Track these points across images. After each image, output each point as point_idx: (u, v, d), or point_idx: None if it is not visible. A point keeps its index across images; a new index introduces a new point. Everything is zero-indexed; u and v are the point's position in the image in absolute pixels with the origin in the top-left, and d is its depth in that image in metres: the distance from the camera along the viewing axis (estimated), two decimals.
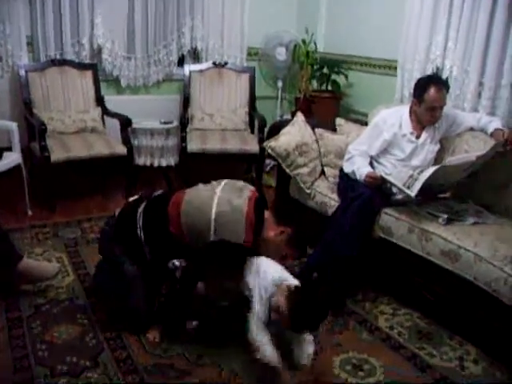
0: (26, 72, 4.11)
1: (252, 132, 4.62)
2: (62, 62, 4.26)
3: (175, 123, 4.32)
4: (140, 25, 4.49)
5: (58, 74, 4.24)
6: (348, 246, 2.75)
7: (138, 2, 4.42)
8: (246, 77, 4.71)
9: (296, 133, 3.39)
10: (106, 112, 4.34)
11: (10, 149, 3.70)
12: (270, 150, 3.30)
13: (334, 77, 4.53)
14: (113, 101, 4.47)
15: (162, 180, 4.45)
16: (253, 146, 4.24)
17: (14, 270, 2.66)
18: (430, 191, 2.81)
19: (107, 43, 4.42)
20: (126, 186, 4.14)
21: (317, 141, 3.46)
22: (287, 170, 3.32)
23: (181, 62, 4.83)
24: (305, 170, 3.33)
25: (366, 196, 2.80)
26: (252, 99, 4.72)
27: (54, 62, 4.23)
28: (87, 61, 4.40)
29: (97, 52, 4.46)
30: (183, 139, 4.23)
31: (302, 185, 3.33)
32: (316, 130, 3.48)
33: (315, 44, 4.69)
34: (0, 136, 3.85)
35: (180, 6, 4.61)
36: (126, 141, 4.09)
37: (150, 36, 4.57)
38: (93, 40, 4.39)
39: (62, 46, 4.33)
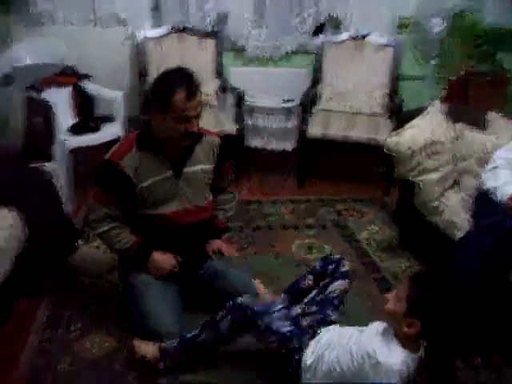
0: (144, 39, 3.84)
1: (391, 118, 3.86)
2: (183, 30, 3.93)
3: (296, 102, 3.74)
4: None
5: (176, 42, 3.94)
6: (473, 279, 2.03)
7: None
8: (389, 52, 3.95)
9: (426, 127, 2.66)
10: (224, 86, 3.92)
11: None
12: (386, 148, 2.60)
13: (499, 56, 3.55)
14: (234, 73, 4.04)
15: (278, 166, 3.95)
16: (385, 136, 3.49)
17: (64, 261, 2.39)
18: None
19: (234, 9, 3.96)
20: (236, 170, 3.71)
21: (455, 139, 2.66)
22: (409, 175, 2.61)
23: (316, 31, 4.19)
24: (433, 177, 2.61)
25: (507, 228, 2.02)
26: (394, 79, 3.95)
27: (174, 30, 3.91)
28: (211, 28, 4.00)
29: (222, 19, 4.03)
30: (304, 121, 3.65)
31: (426, 195, 2.58)
32: (456, 125, 2.69)
33: (481, 14, 3.73)
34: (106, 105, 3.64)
35: None
36: (239, 119, 3.64)
37: (283, 2, 4.00)
38: (219, 6, 3.96)
39: (187, 13, 3.97)
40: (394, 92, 3.92)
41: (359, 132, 3.56)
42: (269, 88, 3.93)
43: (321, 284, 2.04)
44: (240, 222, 3.14)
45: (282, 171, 3.94)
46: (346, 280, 2.02)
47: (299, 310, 1.97)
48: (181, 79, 1.93)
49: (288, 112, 3.77)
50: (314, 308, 1.96)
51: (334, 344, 1.71)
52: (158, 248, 2.15)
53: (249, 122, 3.78)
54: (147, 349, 1.93)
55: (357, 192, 3.62)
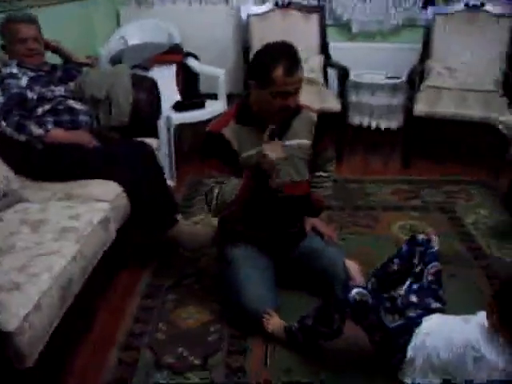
0: (248, 16, 3.83)
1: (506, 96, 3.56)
2: (287, 5, 3.86)
3: (403, 78, 3.55)
4: None
5: (280, 17, 3.88)
6: None
7: None
8: (507, 23, 3.61)
9: None
10: (328, 62, 3.82)
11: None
12: (501, 127, 2.39)
13: None
14: (339, 49, 3.92)
15: (382, 145, 3.80)
16: (499, 115, 3.23)
17: (165, 234, 2.45)
18: None
19: None
20: (337, 148, 3.62)
21: None
22: None
23: (426, 3, 3.94)
24: None
25: None
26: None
27: (278, 5, 3.86)
28: (316, 2, 3.90)
29: None
30: (411, 99, 3.46)
31: None
32: None
33: None
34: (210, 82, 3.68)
35: None
36: (342, 96, 3.53)
37: None
38: None
39: None
40: (510, 67, 3.59)
41: (471, 110, 3.32)
42: (374, 64, 3.79)
43: (416, 269, 1.91)
44: (341, 202, 3.06)
45: (386, 150, 3.78)
46: (438, 262, 1.90)
47: (400, 304, 1.85)
48: (281, 54, 1.88)
49: (394, 89, 3.60)
50: (414, 298, 1.83)
51: (434, 332, 1.61)
52: (258, 219, 2.12)
53: (353, 98, 3.64)
54: (276, 326, 1.94)
55: (465, 173, 3.39)
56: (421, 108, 3.37)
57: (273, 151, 1.91)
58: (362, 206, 3.03)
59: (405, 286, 1.91)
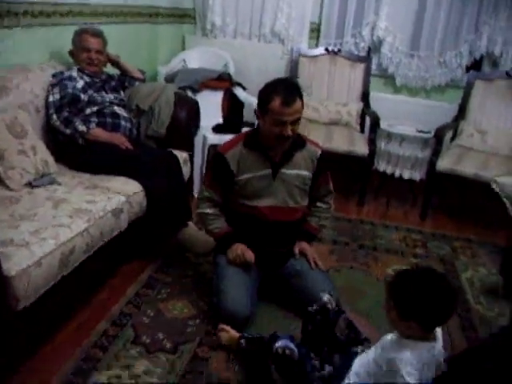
0: (298, 56, 4.14)
1: None
2: (336, 52, 4.14)
3: (431, 134, 3.73)
4: (429, 21, 4.00)
5: (328, 62, 4.17)
6: None
7: None
8: None
9: None
10: (366, 109, 4.06)
11: None
12: (495, 187, 2.53)
13: None
14: (379, 99, 4.15)
15: (403, 194, 3.96)
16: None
17: (174, 235, 2.74)
18: None
19: (389, 37, 4.09)
20: (360, 190, 3.83)
21: None
22: None
23: (470, 67, 4.12)
24: None
25: None
26: None
27: (328, 51, 4.15)
28: (364, 53, 4.17)
29: (376, 45, 4.18)
30: (436, 154, 3.62)
31: None
32: None
33: None
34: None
35: (483, 4, 3.90)
36: (371, 142, 3.74)
37: (439, 34, 4.02)
38: (374, 32, 4.11)
39: (343, 36, 4.21)
40: None
41: (493, 173, 3.42)
42: (409, 117, 3.97)
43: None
44: (347, 238, 3.25)
45: (407, 199, 3.94)
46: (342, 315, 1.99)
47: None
48: (281, 86, 2.15)
49: (422, 142, 3.76)
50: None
51: (355, 366, 1.74)
52: (248, 238, 2.38)
53: (382, 146, 3.84)
54: (229, 338, 2.12)
55: (478, 233, 3.48)
56: (444, 164, 3.52)
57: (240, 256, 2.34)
58: (366, 246, 3.20)
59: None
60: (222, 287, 2.29)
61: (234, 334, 2.12)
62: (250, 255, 2.33)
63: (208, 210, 2.37)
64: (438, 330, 1.62)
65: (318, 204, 2.52)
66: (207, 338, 2.20)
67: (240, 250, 2.34)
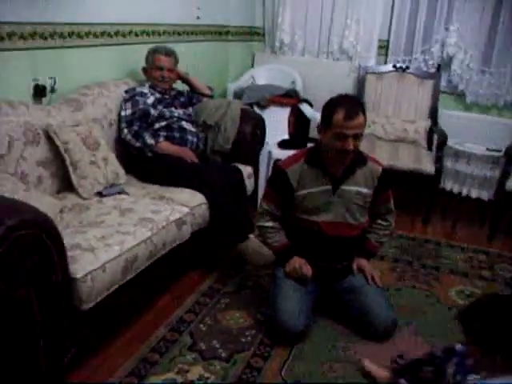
0: (365, 73, 4.15)
1: None
2: (404, 69, 4.11)
3: (502, 152, 3.62)
4: (502, 37, 3.89)
5: (396, 79, 4.14)
6: None
7: (504, 10, 3.83)
8: None
9: None
10: (434, 126, 3.99)
11: None
12: None
13: None
14: (448, 116, 4.07)
15: (470, 214, 3.85)
16: None
17: (235, 247, 2.81)
18: None
19: (459, 53, 4.02)
20: (426, 209, 3.77)
21: None
22: None
23: None
24: None
25: None
26: None
27: (396, 68, 4.13)
28: (433, 70, 4.11)
29: (446, 62, 4.11)
30: (506, 173, 3.51)
31: None
32: None
33: None
34: None
35: None
36: (438, 160, 3.67)
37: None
38: (443, 49, 4.06)
39: (412, 53, 4.18)
40: None
41: None
42: (479, 135, 3.87)
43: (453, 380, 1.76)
44: (410, 257, 3.21)
45: (474, 220, 3.82)
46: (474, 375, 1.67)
47: None
48: (344, 101, 2.18)
49: (491, 161, 3.66)
50: None
51: None
52: (305, 252, 2.41)
53: (449, 164, 3.76)
54: (378, 373, 2.05)
55: None
56: None
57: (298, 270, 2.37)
58: (429, 265, 3.13)
59: None
60: (277, 300, 2.33)
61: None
62: (307, 269, 2.36)
63: (268, 224, 2.42)
64: None
65: (379, 221, 2.51)
66: (261, 349, 2.24)
67: (298, 263, 2.37)
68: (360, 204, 2.36)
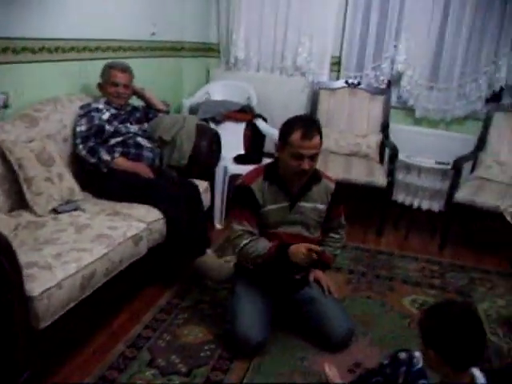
0: (319, 89, 4.25)
1: None
2: (356, 85, 4.23)
3: (450, 165, 3.77)
4: (448, 54, 4.07)
5: (348, 95, 4.25)
6: None
7: (450, 29, 4.00)
8: None
9: None
10: (386, 140, 4.12)
11: None
12: (508, 216, 2.55)
13: None
14: (398, 131, 4.20)
15: (422, 225, 3.98)
16: None
17: (192, 261, 2.81)
18: None
19: (408, 70, 4.17)
20: (379, 221, 3.87)
21: None
22: None
23: (490, 99, 4.16)
24: None
25: None
26: None
27: (348, 84, 4.25)
28: (384, 86, 4.25)
29: (396, 78, 4.26)
30: (454, 185, 3.65)
31: None
32: None
33: None
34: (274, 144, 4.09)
35: (501, 36, 3.96)
36: (390, 173, 3.79)
37: (458, 67, 4.08)
38: (393, 65, 4.20)
39: (363, 69, 4.31)
40: None
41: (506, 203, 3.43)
42: (428, 148, 4.02)
43: None
44: (364, 268, 3.29)
45: (425, 231, 3.95)
46: (425, 380, 1.69)
47: None
48: (302, 122, 2.23)
49: (441, 174, 3.80)
50: None
51: None
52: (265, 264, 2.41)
53: (400, 177, 3.88)
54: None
55: (498, 264, 3.47)
56: (462, 196, 3.54)
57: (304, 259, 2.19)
58: (382, 276, 3.22)
59: None
60: (235, 313, 2.35)
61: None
62: (314, 246, 2.21)
63: (246, 241, 2.30)
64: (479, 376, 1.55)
65: (331, 235, 2.57)
66: (220, 363, 2.25)
67: (302, 248, 2.19)
68: (316, 219, 2.42)
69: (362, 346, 2.45)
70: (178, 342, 2.36)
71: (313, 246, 2.20)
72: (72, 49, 3.05)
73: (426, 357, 1.61)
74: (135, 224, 2.49)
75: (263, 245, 2.28)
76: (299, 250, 2.19)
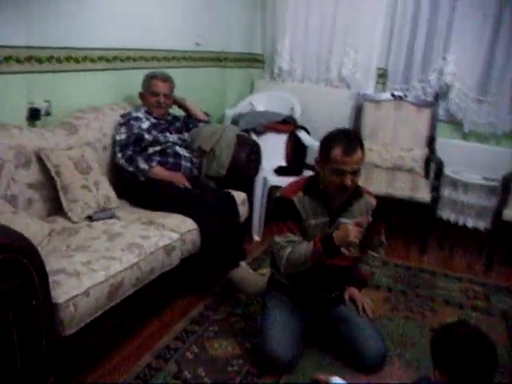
0: (364, 101, 4.17)
1: None
2: (402, 98, 4.12)
3: (498, 182, 3.60)
4: (499, 66, 3.90)
5: (393, 107, 4.15)
6: None
7: (501, 41, 3.85)
8: None
9: None
10: (431, 155, 3.99)
11: None
12: None
13: None
14: (446, 145, 4.06)
15: (468, 243, 3.82)
16: None
17: (226, 274, 2.78)
18: None
19: (456, 82, 4.03)
20: (423, 238, 3.74)
21: None
22: None
23: None
24: None
25: None
26: None
27: (394, 97, 4.14)
28: (431, 98, 4.13)
29: (444, 90, 4.12)
30: (502, 202, 3.49)
31: None
32: None
33: None
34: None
35: None
36: (434, 188, 3.66)
37: (509, 79, 3.91)
38: (441, 78, 4.07)
39: (410, 81, 4.20)
40: None
41: None
42: (476, 163, 3.86)
43: None
44: (404, 286, 3.17)
45: (471, 249, 3.79)
46: None
47: None
48: (342, 137, 2.14)
49: (489, 190, 3.64)
50: None
51: None
52: (300, 281, 2.36)
53: (446, 193, 3.74)
54: None
55: None
56: (510, 214, 3.38)
57: (354, 233, 2.08)
58: (424, 295, 3.09)
59: None
60: (266, 328, 2.30)
61: None
62: (360, 219, 2.16)
63: (290, 249, 2.21)
64: None
65: (371, 253, 2.49)
66: (248, 378, 2.20)
67: (349, 225, 2.11)
68: None
69: (396, 368, 2.35)
70: (206, 355, 2.33)
71: (359, 219, 2.12)
72: (115, 58, 3.09)
73: (434, 377, 1.54)
74: (168, 234, 2.48)
75: (305, 245, 2.17)
76: (345, 228, 2.09)
